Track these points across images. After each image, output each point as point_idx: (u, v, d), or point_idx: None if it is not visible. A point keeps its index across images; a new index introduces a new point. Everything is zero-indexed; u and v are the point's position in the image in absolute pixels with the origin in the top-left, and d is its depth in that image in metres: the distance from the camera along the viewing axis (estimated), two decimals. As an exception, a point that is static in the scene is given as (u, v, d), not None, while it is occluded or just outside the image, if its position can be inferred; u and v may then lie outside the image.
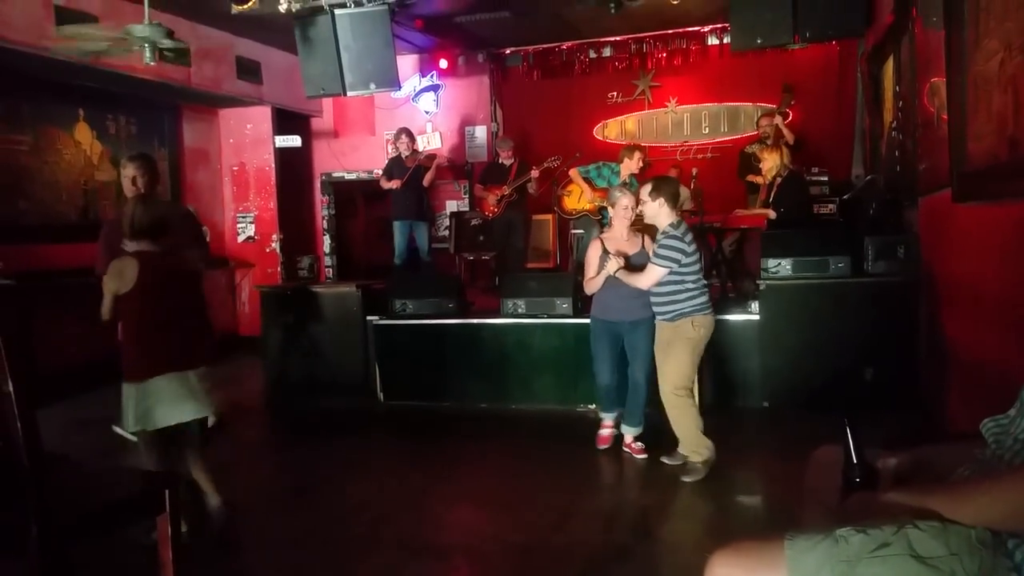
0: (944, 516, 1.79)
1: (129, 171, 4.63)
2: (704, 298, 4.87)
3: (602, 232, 5.61)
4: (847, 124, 9.14)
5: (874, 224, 6.67)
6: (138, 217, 3.90)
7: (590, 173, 8.00)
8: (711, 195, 8.49)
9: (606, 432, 5.50)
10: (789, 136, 8.38)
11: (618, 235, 5.24)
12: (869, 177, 7.83)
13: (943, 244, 5.34)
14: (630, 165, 7.46)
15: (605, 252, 5.10)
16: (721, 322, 6.32)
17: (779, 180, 7.02)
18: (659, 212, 4.85)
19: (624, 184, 7.44)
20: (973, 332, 4.61)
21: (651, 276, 4.83)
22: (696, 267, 4.85)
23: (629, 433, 5.34)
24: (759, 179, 8.06)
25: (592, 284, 5.22)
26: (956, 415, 4.95)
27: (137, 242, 3.91)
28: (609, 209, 5.29)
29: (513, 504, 4.51)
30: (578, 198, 8.13)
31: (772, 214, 6.94)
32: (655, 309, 4.99)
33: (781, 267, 6.22)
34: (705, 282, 4.95)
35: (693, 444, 4.81)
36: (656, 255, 4.80)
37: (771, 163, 7.03)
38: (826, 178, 8.63)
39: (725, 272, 7.62)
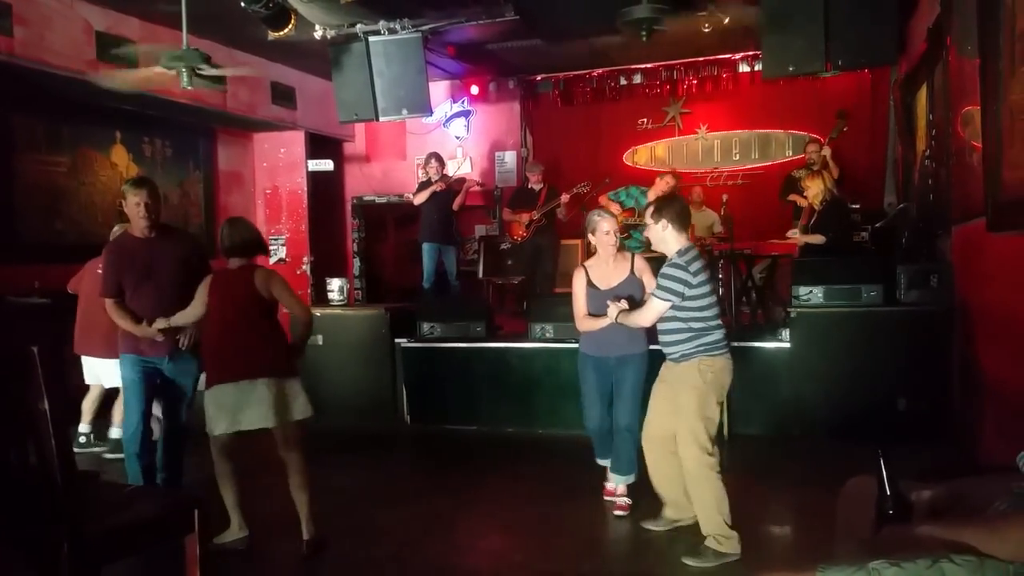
0: (980, 550, 1.76)
1: (141, 196, 4.46)
2: (715, 336, 4.04)
3: (587, 259, 4.91)
4: (879, 152, 9.09)
5: (907, 253, 6.61)
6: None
7: (619, 195, 8.05)
8: (741, 222, 8.45)
9: (611, 485, 4.83)
10: (834, 169, 8.31)
11: (603, 262, 4.60)
12: (902, 205, 7.76)
13: (977, 273, 5.27)
14: (660, 185, 7.52)
15: (591, 285, 4.56)
16: (751, 349, 6.29)
17: (823, 205, 6.97)
18: (664, 236, 4.07)
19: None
20: (1008, 363, 4.53)
21: (651, 312, 4.05)
22: (704, 301, 4.01)
23: (618, 482, 4.68)
24: (801, 200, 7.99)
25: (586, 325, 4.60)
26: (990, 447, 4.86)
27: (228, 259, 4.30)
28: (589, 236, 4.63)
29: (541, 531, 4.49)
30: None
31: (818, 239, 6.87)
32: (662, 347, 4.19)
33: (813, 295, 6.16)
34: (718, 318, 4.11)
35: (713, 527, 3.91)
36: (657, 287, 4.03)
37: (816, 189, 6.96)
38: (858, 206, 8.55)
39: (755, 299, 7.57)
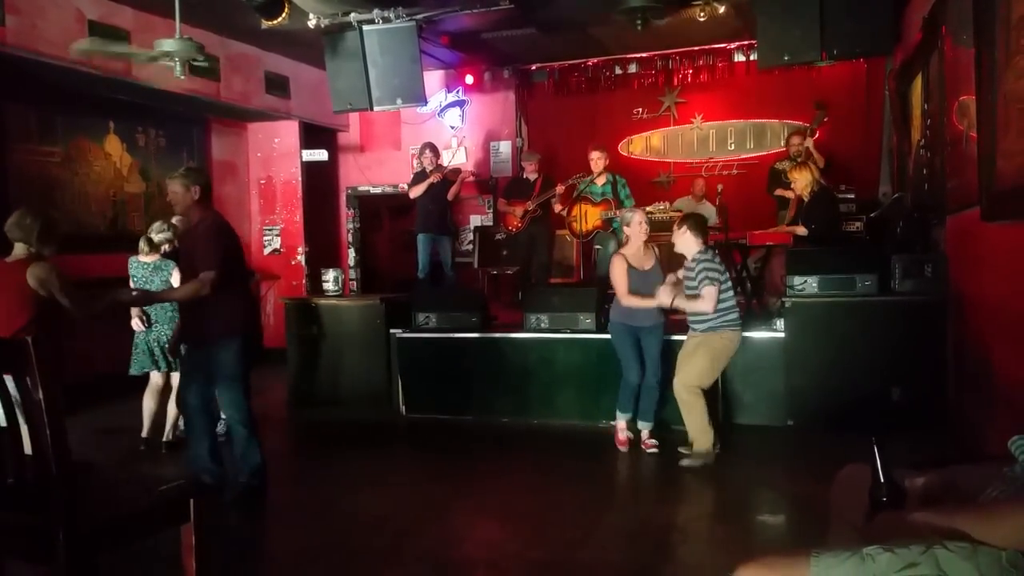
0: (974, 537, 1.77)
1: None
2: (734, 315, 5.34)
3: (619, 248, 5.93)
4: (874, 142, 9.09)
5: (901, 242, 6.61)
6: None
7: (592, 191, 8.17)
8: (736, 212, 8.44)
9: (624, 435, 5.82)
10: (819, 159, 8.34)
11: (635, 249, 5.62)
12: (897, 195, 7.77)
13: (971, 263, 5.28)
14: (597, 165, 8.10)
15: (632, 268, 5.49)
16: (746, 339, 6.28)
17: (811, 196, 6.98)
18: (686, 238, 5.34)
19: (610, 183, 8.09)
20: (1002, 351, 4.55)
21: (710, 298, 5.21)
22: (727, 286, 5.31)
23: (645, 428, 5.80)
24: (788, 193, 8.01)
25: (634, 301, 5.53)
26: (984, 435, 4.88)
27: None
28: (624, 229, 5.70)
29: (535, 520, 4.50)
30: (582, 219, 8.22)
31: (801, 230, 6.89)
32: (690, 322, 5.45)
33: (807, 285, 6.17)
34: (735, 300, 5.38)
35: (697, 432, 5.33)
36: (703, 279, 5.22)
37: (804, 181, 6.99)
38: (853, 196, 8.56)
39: (751, 289, 7.57)
